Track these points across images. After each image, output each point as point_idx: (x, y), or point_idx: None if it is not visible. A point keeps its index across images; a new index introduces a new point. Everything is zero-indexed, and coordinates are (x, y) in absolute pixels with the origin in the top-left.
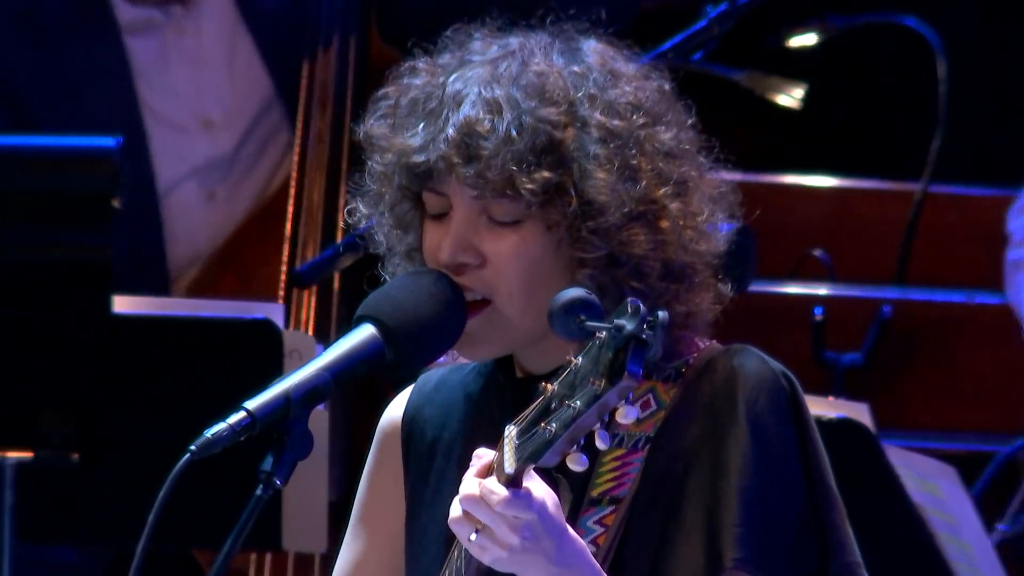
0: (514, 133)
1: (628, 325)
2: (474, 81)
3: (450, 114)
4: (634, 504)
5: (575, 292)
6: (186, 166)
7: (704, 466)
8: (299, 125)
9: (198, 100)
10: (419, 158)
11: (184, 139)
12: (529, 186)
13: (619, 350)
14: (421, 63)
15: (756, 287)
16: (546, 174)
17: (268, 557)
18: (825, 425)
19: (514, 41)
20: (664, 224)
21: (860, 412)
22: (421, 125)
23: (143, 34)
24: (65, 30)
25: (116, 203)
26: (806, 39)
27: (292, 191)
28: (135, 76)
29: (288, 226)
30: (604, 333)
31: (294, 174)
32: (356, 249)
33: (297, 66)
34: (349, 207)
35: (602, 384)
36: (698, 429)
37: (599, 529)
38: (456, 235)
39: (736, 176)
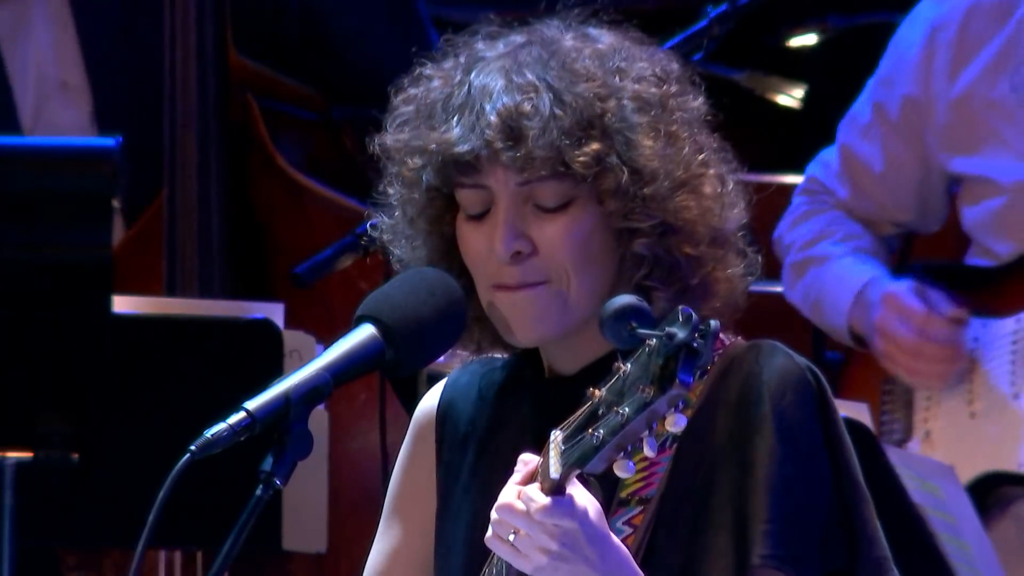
0: (558, 110)
1: (680, 333)
2: (500, 72)
3: (484, 104)
4: (662, 503)
5: (627, 299)
6: (50, 132)
7: (731, 463)
8: (165, 149)
9: (57, 62)
10: (462, 148)
11: (48, 103)
12: (581, 159)
13: (670, 358)
14: (427, 70)
15: (756, 287)
16: (596, 146)
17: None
18: None
19: (519, 37)
20: (707, 190)
21: (860, 412)
22: (455, 119)
23: (3, 3)
24: None
25: (116, 203)
26: (806, 39)
27: (165, 216)
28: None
29: (164, 247)
30: (655, 340)
31: (165, 198)
32: (355, 248)
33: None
34: (373, 221)
35: (652, 392)
36: (725, 426)
37: (628, 530)
38: (507, 225)
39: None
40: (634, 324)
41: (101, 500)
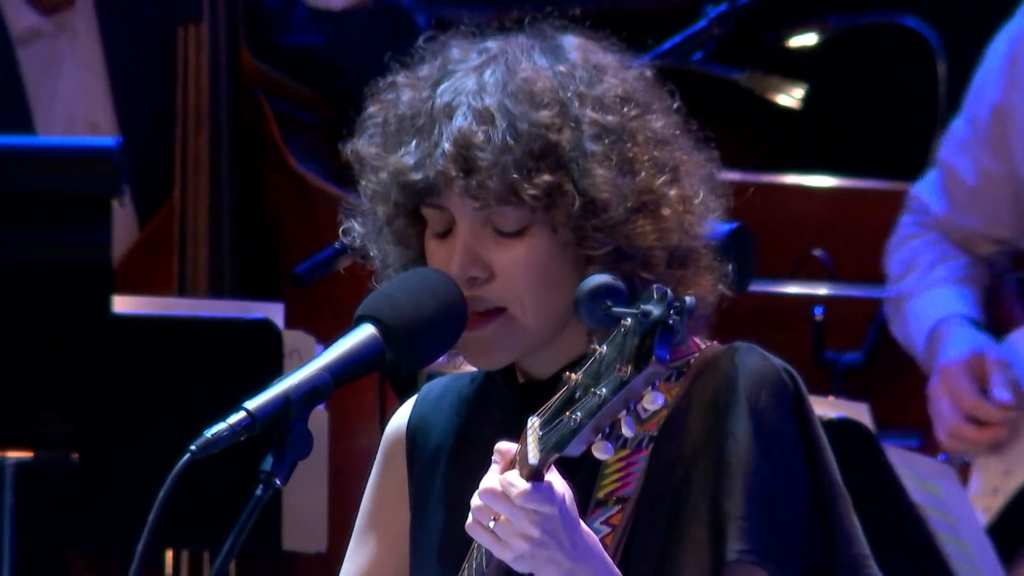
0: (510, 140)
1: (655, 310)
2: (461, 92)
3: (442, 128)
4: (640, 503)
5: (601, 279)
6: None
7: (708, 462)
8: (177, 149)
9: (87, 103)
10: (416, 176)
11: None
12: (531, 192)
13: (645, 336)
14: (400, 77)
15: (756, 287)
16: (547, 177)
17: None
18: (825, 425)
19: (493, 45)
20: (666, 212)
21: (860, 412)
22: (414, 143)
23: (33, 44)
24: None
25: (116, 203)
26: (806, 39)
27: (176, 216)
28: (25, 86)
29: (176, 252)
30: (629, 320)
31: (177, 198)
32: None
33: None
34: (344, 226)
35: (628, 370)
36: (701, 426)
37: (606, 529)
38: (464, 250)
39: (736, 176)
40: (609, 303)
41: (101, 500)
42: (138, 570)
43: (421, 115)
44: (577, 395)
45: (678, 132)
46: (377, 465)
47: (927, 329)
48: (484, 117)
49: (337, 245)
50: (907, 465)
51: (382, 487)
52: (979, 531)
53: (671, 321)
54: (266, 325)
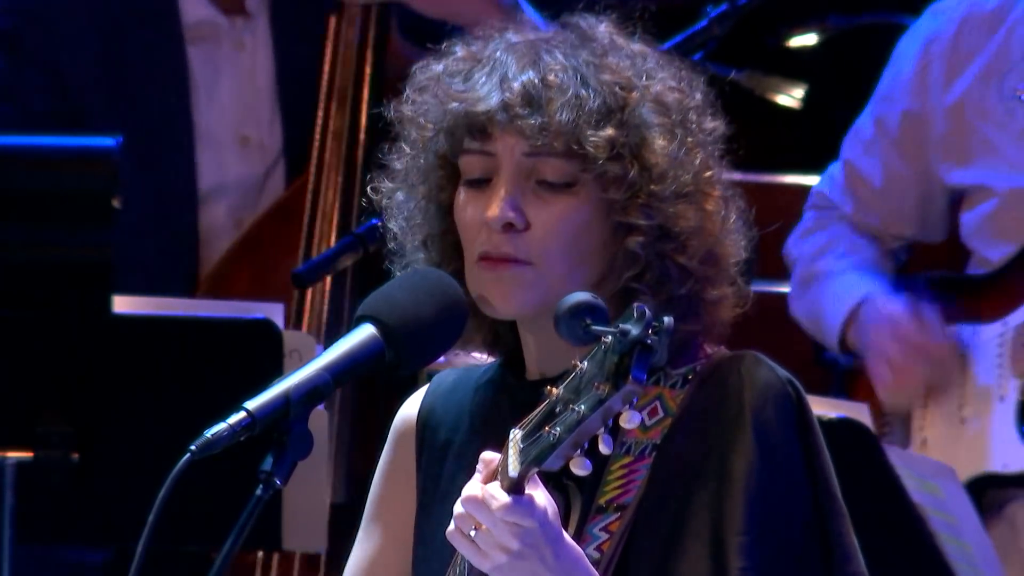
0: (583, 91)
1: (633, 330)
2: (530, 48)
3: (509, 71)
4: (639, 511)
5: (581, 296)
6: (217, 182)
7: (710, 474)
8: (318, 122)
9: (239, 116)
10: (482, 106)
11: (219, 154)
12: (594, 140)
13: (624, 355)
14: (457, 47)
15: (756, 287)
16: (612, 132)
17: (275, 557)
18: (825, 425)
19: (550, 31)
20: (710, 206)
21: (860, 412)
22: (480, 80)
23: (202, 44)
24: (130, 27)
25: (116, 203)
26: (806, 39)
27: (308, 190)
28: (190, 85)
29: (304, 225)
30: (609, 337)
31: (311, 172)
32: (356, 249)
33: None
34: (373, 185)
35: (607, 389)
36: (704, 437)
37: (604, 536)
38: (506, 193)
39: (736, 176)
40: (588, 321)
41: (101, 500)
42: (138, 570)
43: (488, 59)
44: (557, 410)
45: (721, 148)
46: (386, 453)
47: (848, 307)
48: (554, 68)
49: (349, 238)
50: (907, 465)
51: (390, 476)
52: (980, 531)
53: (649, 341)
54: (266, 325)
